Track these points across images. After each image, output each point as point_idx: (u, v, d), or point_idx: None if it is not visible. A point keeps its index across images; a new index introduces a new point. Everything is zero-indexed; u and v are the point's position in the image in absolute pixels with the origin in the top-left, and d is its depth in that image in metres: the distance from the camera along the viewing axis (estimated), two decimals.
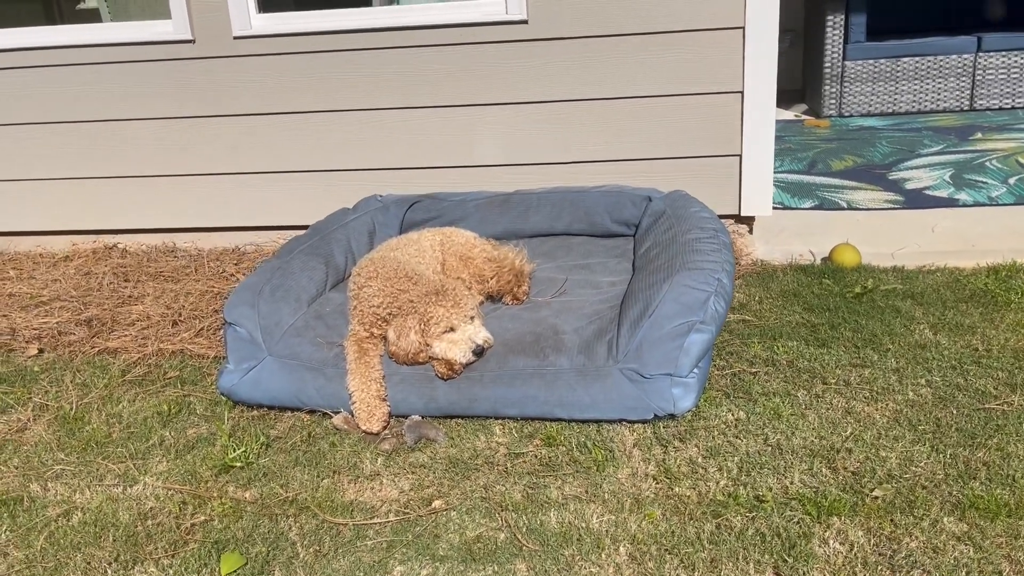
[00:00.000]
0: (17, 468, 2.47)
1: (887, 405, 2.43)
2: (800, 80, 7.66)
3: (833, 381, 2.58)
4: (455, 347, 2.52)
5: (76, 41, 3.94)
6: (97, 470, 2.44)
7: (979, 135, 6.05)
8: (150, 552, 2.08)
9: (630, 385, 2.41)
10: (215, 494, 2.29)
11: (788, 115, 7.12)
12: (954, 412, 2.37)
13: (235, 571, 1.99)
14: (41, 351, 3.21)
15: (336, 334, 2.76)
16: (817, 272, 3.47)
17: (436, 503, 2.19)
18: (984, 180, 4.79)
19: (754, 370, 2.68)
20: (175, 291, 3.64)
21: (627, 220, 3.42)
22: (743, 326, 3.00)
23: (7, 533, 2.18)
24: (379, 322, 2.65)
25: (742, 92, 3.65)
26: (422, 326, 2.54)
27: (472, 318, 2.59)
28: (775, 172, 5.22)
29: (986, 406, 2.38)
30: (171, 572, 2.01)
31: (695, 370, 2.46)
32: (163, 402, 2.78)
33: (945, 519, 1.95)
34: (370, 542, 2.07)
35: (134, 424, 2.67)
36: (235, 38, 3.85)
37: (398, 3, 4.27)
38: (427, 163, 3.95)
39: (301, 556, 2.04)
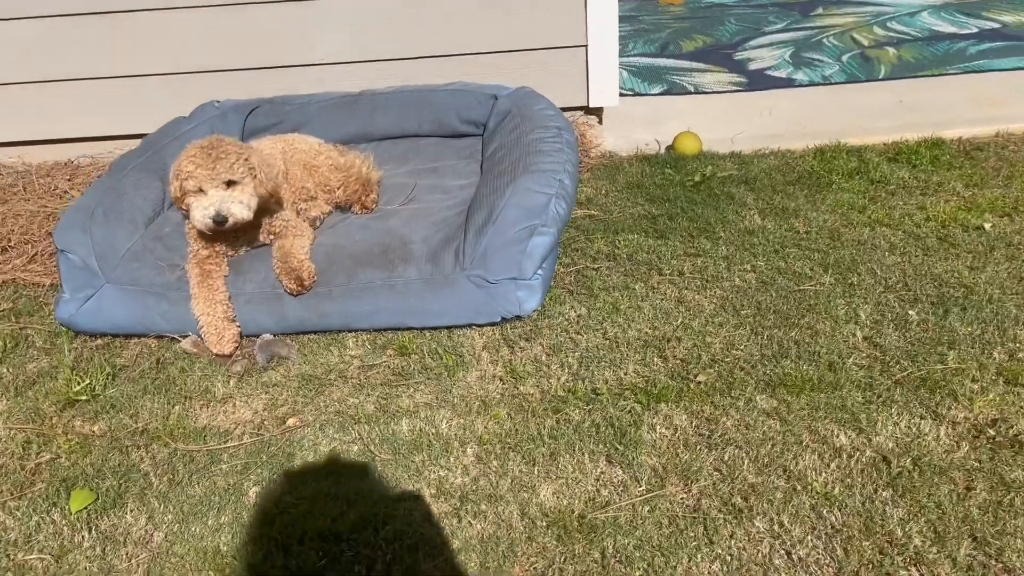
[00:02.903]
0: None
1: (715, 292, 2.61)
2: None
3: (668, 272, 2.74)
4: (196, 211, 2.44)
5: None
6: None
7: (820, 10, 6.24)
8: None
9: (477, 291, 2.48)
10: (60, 431, 2.26)
11: None
12: (773, 295, 2.57)
13: (86, 507, 1.99)
14: None
15: (177, 255, 2.68)
16: (661, 162, 3.59)
17: (290, 421, 2.24)
18: (820, 58, 5.00)
19: (596, 266, 2.80)
20: (2, 213, 3.42)
21: (475, 120, 3.41)
22: (589, 221, 3.10)
23: None
24: None
25: None
26: (179, 183, 2.46)
27: (230, 182, 2.44)
28: (627, 56, 5.29)
29: (801, 287, 2.59)
30: (18, 514, 1.99)
31: (538, 272, 2.54)
32: (0, 336, 2.67)
33: (757, 397, 2.15)
34: (225, 466, 2.11)
35: None
36: None
37: None
38: (270, 63, 3.77)
39: (155, 486, 2.06)
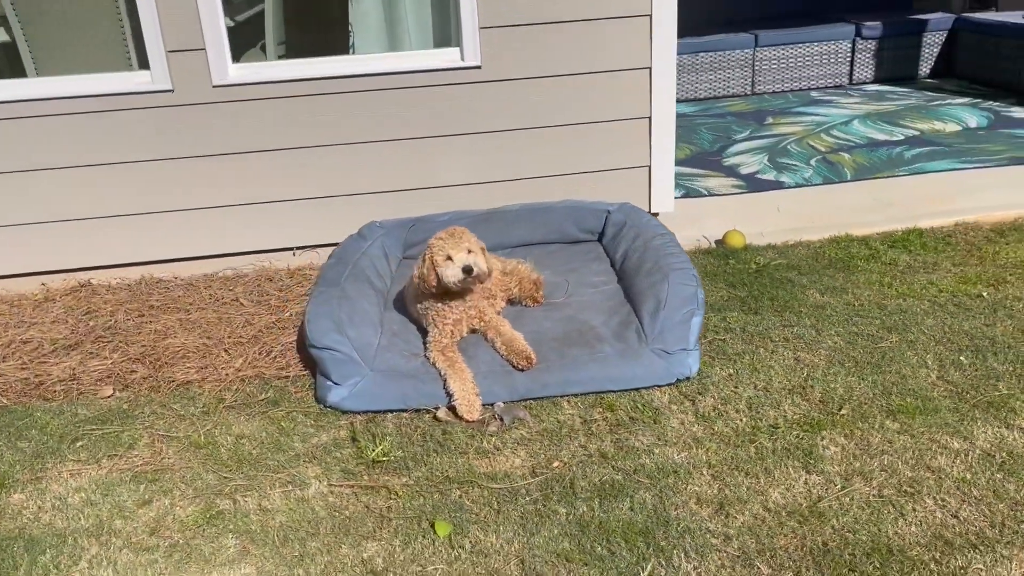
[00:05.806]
0: (195, 490, 2.93)
1: (819, 352, 3.56)
2: None
3: (776, 339, 3.68)
4: (448, 270, 3.33)
5: (50, 94, 4.09)
6: (265, 481, 2.97)
7: (770, 119, 7.55)
8: (366, 532, 2.71)
9: (659, 360, 3.33)
10: (379, 483, 2.93)
11: None
12: (861, 351, 3.54)
13: (448, 534, 2.68)
14: (115, 391, 3.53)
15: (413, 347, 3.43)
16: (719, 255, 4.58)
17: (555, 464, 3.00)
18: (793, 163, 6.20)
19: (721, 337, 3.71)
20: (196, 321, 4.03)
21: (591, 229, 4.33)
22: None
23: (235, 537, 2.70)
24: None
25: (650, 118, 4.64)
26: (431, 258, 3.34)
27: (469, 251, 3.37)
28: None
29: (879, 345, 3.58)
30: (396, 542, 2.66)
31: (697, 342, 3.43)
32: (274, 420, 3.30)
33: (887, 422, 3.08)
34: (527, 496, 2.84)
35: (265, 440, 3.18)
36: (214, 87, 4.21)
37: (352, 51, 4.78)
38: (396, 187, 4.57)
39: (483, 516, 2.77)
